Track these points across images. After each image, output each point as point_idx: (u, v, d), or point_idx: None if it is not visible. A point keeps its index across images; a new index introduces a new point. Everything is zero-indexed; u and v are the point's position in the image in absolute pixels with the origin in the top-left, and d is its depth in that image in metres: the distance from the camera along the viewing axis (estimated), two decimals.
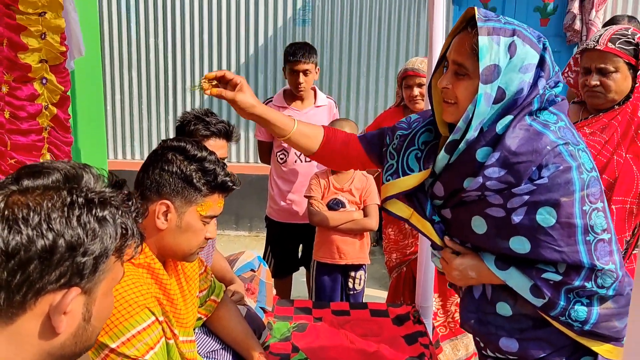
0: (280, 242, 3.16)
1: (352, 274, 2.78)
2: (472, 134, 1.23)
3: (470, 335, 2.74)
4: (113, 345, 1.21)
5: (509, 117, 1.22)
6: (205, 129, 1.98)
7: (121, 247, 0.81)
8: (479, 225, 1.27)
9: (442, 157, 1.30)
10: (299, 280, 3.76)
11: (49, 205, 0.72)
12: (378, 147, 1.53)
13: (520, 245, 1.22)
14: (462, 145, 1.25)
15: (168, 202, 1.35)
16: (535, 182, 1.20)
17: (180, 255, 1.40)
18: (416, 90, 2.74)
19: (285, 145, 3.04)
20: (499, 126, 1.22)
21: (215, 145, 2.00)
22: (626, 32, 1.83)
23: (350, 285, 2.80)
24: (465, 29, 1.26)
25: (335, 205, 2.67)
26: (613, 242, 1.24)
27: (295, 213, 3.07)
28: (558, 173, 1.19)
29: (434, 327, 2.64)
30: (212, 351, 1.68)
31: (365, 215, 2.65)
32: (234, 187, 1.44)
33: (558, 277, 1.23)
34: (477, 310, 1.39)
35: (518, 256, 1.24)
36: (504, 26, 1.21)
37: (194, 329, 1.73)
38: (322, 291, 2.79)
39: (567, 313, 1.25)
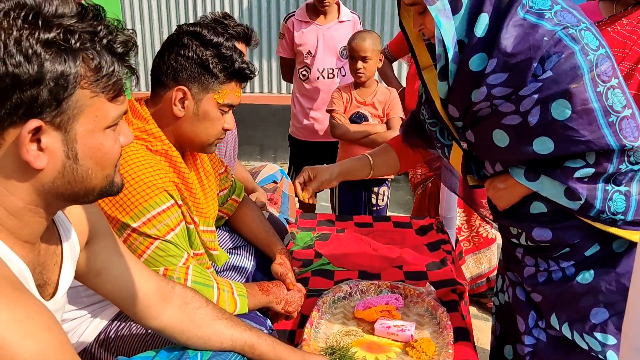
0: (303, 160, 3.14)
1: (375, 189, 2.76)
2: (451, 51, 1.19)
3: (494, 249, 2.75)
4: (134, 225, 1.22)
5: (484, 16, 1.15)
6: (224, 31, 1.92)
7: (96, 81, 0.74)
8: (500, 138, 1.23)
9: (441, 86, 1.27)
10: (321, 205, 3.78)
11: None
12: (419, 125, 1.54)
13: (543, 146, 1.18)
14: (451, 66, 1.21)
15: (184, 88, 1.32)
16: (539, 77, 1.14)
17: (198, 144, 1.39)
18: None
19: (308, 61, 2.98)
20: (478, 27, 1.16)
21: None
22: None
23: (374, 201, 2.78)
24: None
25: (357, 119, 2.62)
26: (637, 116, 1.18)
27: (318, 131, 3.03)
28: (562, 61, 1.12)
29: (458, 241, 2.63)
30: (234, 248, 1.70)
31: (389, 128, 2.60)
32: (252, 75, 1.40)
33: (591, 170, 1.18)
34: (509, 210, 1.37)
35: (545, 158, 1.20)
36: None
37: (216, 228, 1.75)
38: (345, 208, 2.78)
39: (606, 208, 1.20)
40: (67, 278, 0.91)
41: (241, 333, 1.15)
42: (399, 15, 1.40)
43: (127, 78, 0.78)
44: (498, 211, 1.41)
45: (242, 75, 1.37)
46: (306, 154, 3.12)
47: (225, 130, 1.41)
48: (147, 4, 5.30)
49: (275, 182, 2.39)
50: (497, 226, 2.70)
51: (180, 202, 1.30)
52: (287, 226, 2.25)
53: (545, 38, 1.12)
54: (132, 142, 0.84)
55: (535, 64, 1.13)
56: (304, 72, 3.00)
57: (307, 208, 3.20)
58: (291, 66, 3.09)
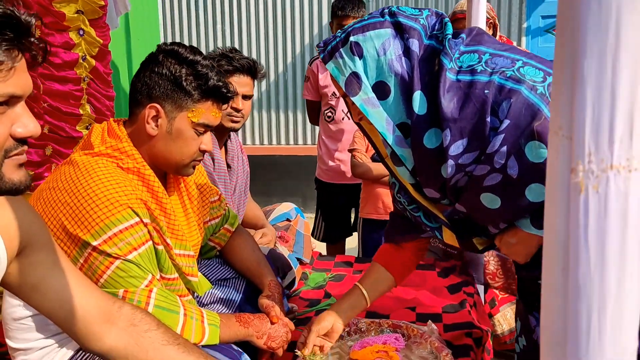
0: (329, 203, 3.07)
1: None
2: (389, 137, 1.14)
3: None
4: (94, 243, 1.17)
5: (418, 93, 1.10)
6: (229, 64, 1.92)
7: None
8: (490, 201, 1.14)
9: (401, 171, 1.21)
10: (352, 248, 3.64)
11: None
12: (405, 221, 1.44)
13: (537, 193, 1.08)
14: (397, 150, 1.16)
15: (157, 105, 1.29)
16: (500, 129, 1.06)
17: (172, 165, 1.34)
18: None
19: (333, 102, 2.95)
20: (416, 106, 1.10)
21: (240, 81, 1.93)
22: None
23: None
24: None
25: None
26: None
27: (344, 173, 2.96)
28: (513, 105, 1.04)
29: (488, 286, 2.42)
30: (224, 279, 1.61)
31: None
32: (229, 94, 1.36)
33: None
34: (533, 260, 1.24)
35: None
36: (338, 39, 1.17)
37: (208, 259, 1.68)
38: (370, 249, 2.65)
39: None
40: None
41: None
42: (349, 111, 1.35)
43: (7, 53, 0.71)
44: (521, 265, 1.28)
45: (218, 95, 1.33)
46: (333, 196, 3.04)
47: (203, 151, 1.36)
48: None
49: (288, 220, 2.31)
50: None
51: (147, 220, 1.25)
52: (299, 266, 2.15)
53: (485, 91, 1.06)
54: (36, 134, 0.78)
55: (488, 118, 1.06)
56: (329, 114, 2.97)
57: (336, 251, 3.09)
58: (317, 109, 3.07)
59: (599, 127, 0.39)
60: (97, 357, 1.24)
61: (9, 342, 1.29)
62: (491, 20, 2.76)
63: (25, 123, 0.77)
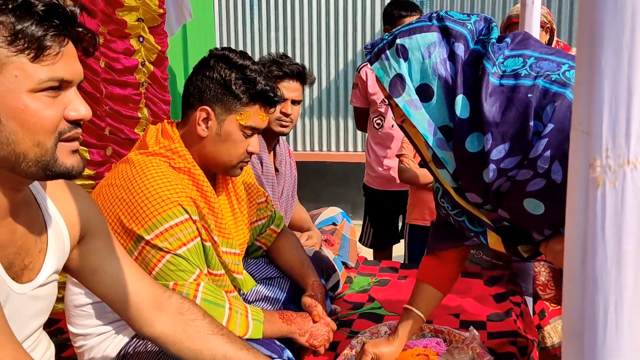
0: (378, 210, 3.08)
1: None
2: (430, 139, 1.15)
3: None
4: (148, 238, 1.24)
5: (460, 97, 1.10)
6: (279, 69, 1.98)
7: (12, 40, 0.73)
8: (534, 207, 1.12)
9: (443, 174, 1.22)
10: (399, 255, 3.63)
11: None
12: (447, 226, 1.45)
13: None
14: (438, 152, 1.16)
15: (208, 108, 1.35)
16: (543, 133, 1.04)
17: (221, 165, 1.40)
18: None
19: (382, 109, 2.96)
20: (458, 110, 1.10)
21: (289, 87, 1.98)
22: None
23: None
24: None
25: None
26: None
27: (393, 179, 2.96)
28: (558, 109, 1.03)
29: (537, 296, 2.36)
30: (269, 278, 1.65)
31: None
32: (276, 98, 1.40)
33: None
34: None
35: None
36: (385, 41, 1.19)
37: (254, 258, 1.73)
38: (416, 256, 2.64)
39: None
40: (48, 267, 0.93)
41: (236, 351, 1.10)
42: (393, 115, 1.36)
43: (54, 38, 0.76)
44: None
45: (265, 98, 1.38)
46: (381, 203, 3.05)
47: (250, 153, 1.41)
48: None
49: (334, 224, 2.34)
50: None
51: (195, 217, 1.31)
52: (344, 270, 2.17)
53: (529, 95, 1.05)
54: (87, 117, 0.82)
55: (531, 122, 1.05)
56: (378, 121, 2.99)
57: (383, 257, 3.09)
58: (365, 116, 3.10)
59: (616, 123, 0.40)
60: (150, 344, 1.31)
61: (70, 328, 1.38)
62: (548, 25, 2.71)
63: (77, 107, 0.81)
